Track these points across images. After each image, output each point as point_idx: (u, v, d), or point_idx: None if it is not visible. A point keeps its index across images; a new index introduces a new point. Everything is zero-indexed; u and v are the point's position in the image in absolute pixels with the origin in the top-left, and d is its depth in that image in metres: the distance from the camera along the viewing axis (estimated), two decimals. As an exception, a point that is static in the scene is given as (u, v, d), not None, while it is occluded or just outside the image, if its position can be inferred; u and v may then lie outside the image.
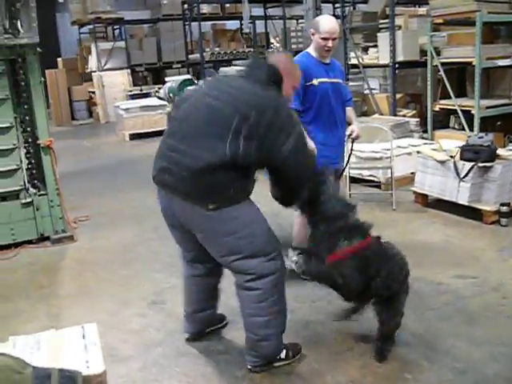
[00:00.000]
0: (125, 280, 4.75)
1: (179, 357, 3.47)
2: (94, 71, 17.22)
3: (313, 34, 4.37)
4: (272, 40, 19.25)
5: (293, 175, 3.00)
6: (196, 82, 15.10)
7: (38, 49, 5.54)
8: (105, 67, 17.28)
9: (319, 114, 4.34)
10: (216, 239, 2.98)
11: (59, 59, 19.06)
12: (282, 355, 3.26)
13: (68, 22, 20.00)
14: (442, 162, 5.88)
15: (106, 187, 8.20)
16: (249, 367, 3.24)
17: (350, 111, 4.66)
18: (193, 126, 2.94)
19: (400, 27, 9.18)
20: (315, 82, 4.28)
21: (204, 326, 3.63)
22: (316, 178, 3.19)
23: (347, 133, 4.54)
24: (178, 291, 4.30)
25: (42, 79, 5.62)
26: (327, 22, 4.33)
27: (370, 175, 6.94)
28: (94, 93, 16.95)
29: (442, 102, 8.39)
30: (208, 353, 3.49)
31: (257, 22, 18.39)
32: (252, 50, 16.86)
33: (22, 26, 5.40)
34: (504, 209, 5.48)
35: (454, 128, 8.53)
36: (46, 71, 16.39)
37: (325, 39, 4.26)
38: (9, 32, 5.28)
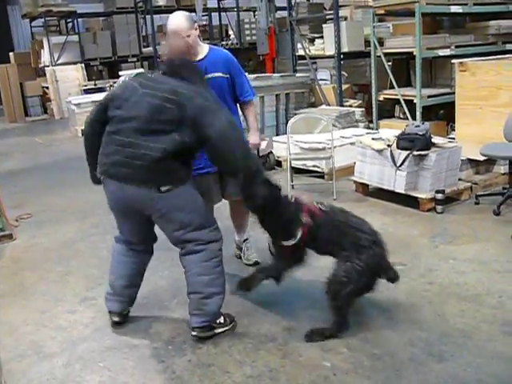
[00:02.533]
0: (60, 277, 4.73)
1: (104, 351, 3.49)
2: (48, 66, 16.97)
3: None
4: (230, 32, 19.23)
5: (227, 150, 3.32)
6: (150, 75, 15.09)
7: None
8: (58, 62, 17.06)
9: None
10: (170, 215, 3.38)
11: (11, 54, 18.71)
12: (221, 320, 3.60)
13: (19, 14, 19.66)
14: (380, 151, 5.98)
15: (52, 184, 8.12)
16: (194, 333, 3.52)
17: (247, 111, 4.34)
18: (141, 122, 3.28)
19: (346, 18, 9.27)
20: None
21: (128, 304, 3.84)
22: (249, 160, 3.44)
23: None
24: (111, 286, 4.34)
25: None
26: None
27: (314, 165, 7.02)
28: (47, 88, 16.70)
29: (386, 91, 8.51)
30: (132, 347, 3.52)
31: (212, 14, 18.35)
32: (208, 42, 16.79)
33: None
34: (439, 196, 5.61)
35: (398, 117, 8.67)
36: (-4, 66, 16.14)
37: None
38: None
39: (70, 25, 19.33)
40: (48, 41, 17.14)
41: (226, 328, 3.61)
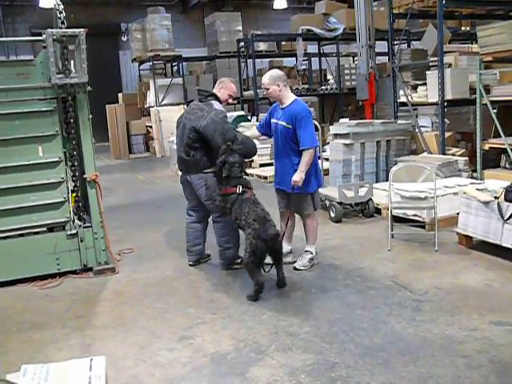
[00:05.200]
0: (159, 313, 4.82)
1: (201, 393, 3.50)
2: (152, 106, 17.79)
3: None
4: (329, 77, 19.37)
5: (210, 140, 5.44)
6: (249, 118, 15.43)
7: (89, 87, 5.77)
8: (162, 102, 17.83)
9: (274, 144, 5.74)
10: (200, 189, 5.65)
11: (120, 94, 19.78)
12: (239, 261, 5.72)
13: (129, 59, 20.82)
14: (486, 203, 5.75)
15: (152, 221, 8.39)
16: (222, 268, 5.81)
17: (302, 156, 5.36)
18: (180, 135, 5.74)
19: (450, 65, 9.11)
20: (273, 120, 5.60)
21: (199, 256, 6.04)
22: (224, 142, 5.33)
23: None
24: (209, 328, 4.42)
25: (91, 116, 5.82)
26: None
27: (415, 215, 6.85)
28: (151, 127, 17.47)
29: (492, 140, 8.22)
30: None
31: (312, 58, 18.60)
32: (307, 86, 17.00)
33: (73, 66, 5.67)
34: (550, 253, 5.30)
35: (504, 167, 8.34)
36: (107, 106, 17.10)
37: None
38: (61, 72, 5.54)
39: (175, 68, 20.24)
40: (154, 83, 18.01)
41: (240, 266, 5.52)
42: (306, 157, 5.31)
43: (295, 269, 5.64)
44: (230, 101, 5.99)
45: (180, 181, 5.89)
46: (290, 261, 5.76)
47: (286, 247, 5.70)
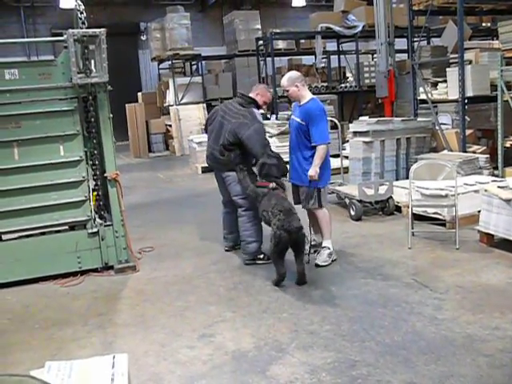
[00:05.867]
0: (179, 311, 4.85)
1: (222, 391, 3.51)
2: (172, 105, 17.87)
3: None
4: (348, 74, 19.27)
5: (251, 148, 5.76)
6: (268, 116, 15.41)
7: (109, 87, 5.81)
8: (182, 101, 17.90)
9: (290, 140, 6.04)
10: (231, 185, 6.00)
11: (139, 94, 19.89)
12: (261, 257, 5.95)
13: (149, 58, 20.93)
14: (508, 201, 5.69)
15: (172, 219, 8.44)
16: (245, 262, 5.99)
17: (316, 151, 5.63)
18: (215, 134, 6.01)
19: (470, 62, 9.02)
20: (292, 117, 6.02)
21: (233, 242, 6.46)
22: (264, 152, 5.73)
23: None
24: (230, 325, 4.43)
25: (111, 115, 5.87)
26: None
27: (435, 213, 6.80)
28: (170, 126, 17.55)
29: (513, 137, 8.14)
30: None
31: (331, 56, 18.53)
32: (326, 84, 16.94)
33: (94, 66, 5.72)
34: None
35: (527, 165, 8.23)
36: (126, 105, 17.20)
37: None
38: (82, 72, 5.59)
39: (194, 67, 20.30)
40: (173, 82, 18.09)
41: (264, 262, 5.84)
42: (319, 151, 5.59)
43: (317, 265, 5.70)
44: (264, 106, 6.48)
45: (215, 177, 6.34)
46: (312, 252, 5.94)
47: (318, 238, 6.14)
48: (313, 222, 6.08)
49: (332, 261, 5.79)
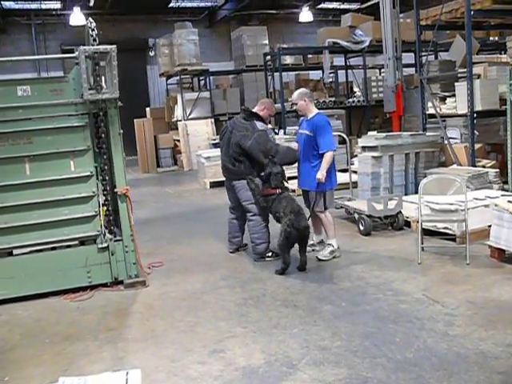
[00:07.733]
0: (190, 327, 4.84)
1: (233, 407, 3.49)
2: (180, 120, 17.94)
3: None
4: (355, 89, 19.31)
5: (256, 157, 6.48)
6: (276, 131, 15.45)
7: (119, 103, 5.86)
8: (190, 116, 17.97)
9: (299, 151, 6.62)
10: (240, 191, 6.64)
11: (148, 109, 19.99)
12: (269, 254, 6.65)
13: (157, 73, 21.06)
14: (519, 216, 5.67)
15: (182, 234, 8.45)
16: (255, 260, 6.64)
17: (323, 158, 6.28)
18: (225, 147, 6.77)
19: (479, 76, 9.03)
20: (300, 131, 6.68)
21: (236, 246, 7.09)
22: (267, 159, 6.41)
23: None
24: (240, 341, 4.42)
25: (121, 131, 5.90)
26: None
27: (445, 228, 6.78)
28: (178, 141, 17.61)
29: (523, 152, 8.09)
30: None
31: (339, 71, 18.60)
32: (334, 99, 16.99)
33: (104, 82, 5.76)
34: None
35: (537, 180, 8.18)
36: (135, 120, 17.29)
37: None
38: (93, 88, 5.63)
39: (202, 82, 20.41)
40: (182, 97, 18.17)
41: (272, 259, 6.55)
42: (327, 157, 6.26)
43: (318, 259, 6.46)
44: (269, 119, 7.37)
45: (225, 186, 7.08)
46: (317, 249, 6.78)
47: (317, 238, 6.93)
48: (315, 223, 6.78)
49: (332, 257, 6.47)
